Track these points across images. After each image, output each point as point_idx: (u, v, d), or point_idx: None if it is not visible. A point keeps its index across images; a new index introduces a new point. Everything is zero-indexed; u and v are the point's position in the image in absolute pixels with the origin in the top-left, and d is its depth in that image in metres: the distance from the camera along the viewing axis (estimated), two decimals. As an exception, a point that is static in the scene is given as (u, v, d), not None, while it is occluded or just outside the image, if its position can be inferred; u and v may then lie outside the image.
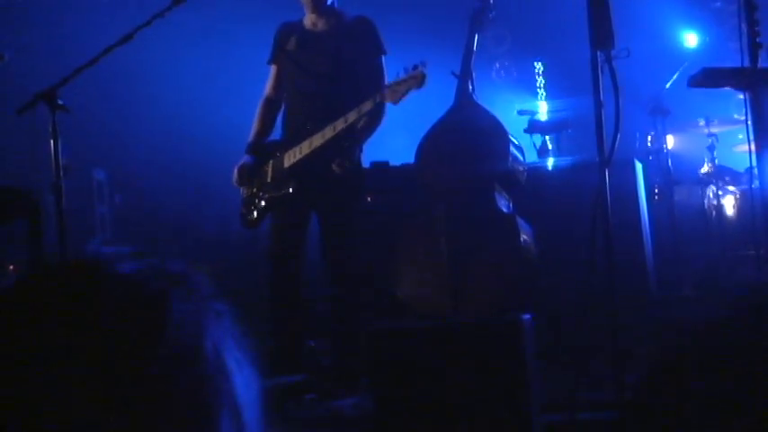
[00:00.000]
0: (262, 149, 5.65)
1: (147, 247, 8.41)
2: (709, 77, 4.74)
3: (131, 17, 5.47)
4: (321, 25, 5.59)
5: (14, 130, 7.34)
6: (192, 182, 8.80)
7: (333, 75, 5.49)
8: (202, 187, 8.52)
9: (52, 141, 4.89)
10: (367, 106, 5.17)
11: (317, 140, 5.28)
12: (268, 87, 5.80)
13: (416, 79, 5.01)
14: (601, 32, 4.14)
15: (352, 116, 5.20)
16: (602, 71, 4.24)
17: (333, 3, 5.62)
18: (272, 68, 5.78)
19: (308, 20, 5.63)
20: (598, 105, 4.19)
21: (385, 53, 5.55)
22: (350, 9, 5.68)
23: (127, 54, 4.99)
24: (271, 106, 5.76)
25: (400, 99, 5.07)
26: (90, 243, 8.51)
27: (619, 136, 4.28)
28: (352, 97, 5.40)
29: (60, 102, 4.88)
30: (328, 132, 5.25)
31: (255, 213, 5.57)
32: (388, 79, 5.43)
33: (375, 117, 5.44)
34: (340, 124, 5.22)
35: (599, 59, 4.18)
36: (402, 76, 5.04)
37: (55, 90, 4.88)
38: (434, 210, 6.38)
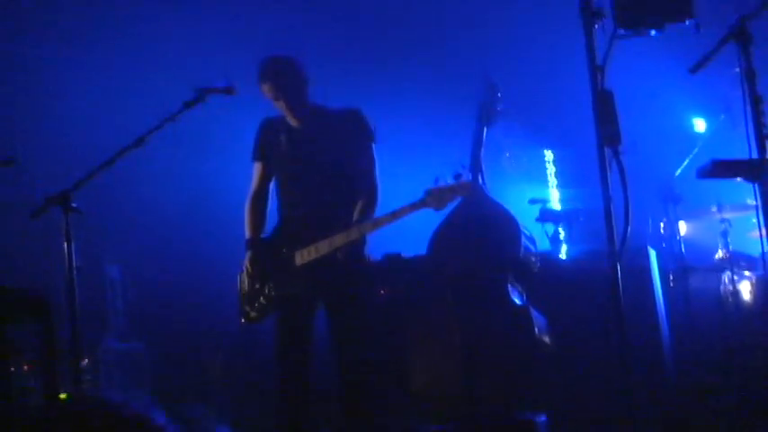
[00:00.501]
0: (264, 246, 5.64)
1: (160, 343, 8.42)
2: (717, 169, 4.74)
3: (140, 117, 5.55)
4: (308, 122, 5.60)
5: (29, 230, 7.39)
6: (205, 276, 8.80)
7: (329, 167, 5.50)
8: (214, 281, 8.52)
9: (65, 244, 4.92)
10: (405, 211, 5.20)
11: (341, 240, 5.27)
12: (254, 183, 5.79)
13: (464, 188, 5.08)
14: (607, 130, 4.16)
15: (367, 227, 5.23)
16: (610, 167, 4.25)
17: (311, 103, 5.61)
18: (257, 165, 5.77)
19: (293, 120, 5.65)
20: (607, 201, 4.19)
21: (375, 141, 5.56)
22: (337, 101, 5.70)
23: (138, 152, 5.04)
24: (260, 201, 5.75)
25: (444, 207, 5.14)
26: (104, 339, 8.52)
27: (629, 230, 4.29)
28: (352, 189, 5.43)
29: (73, 204, 4.92)
30: (354, 234, 5.26)
31: (258, 311, 5.55)
32: (377, 168, 5.47)
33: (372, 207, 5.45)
34: (368, 227, 5.26)
35: (607, 156, 4.19)
36: (446, 183, 5.08)
37: (68, 193, 4.92)
38: (447, 303, 6.37)
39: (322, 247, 5.31)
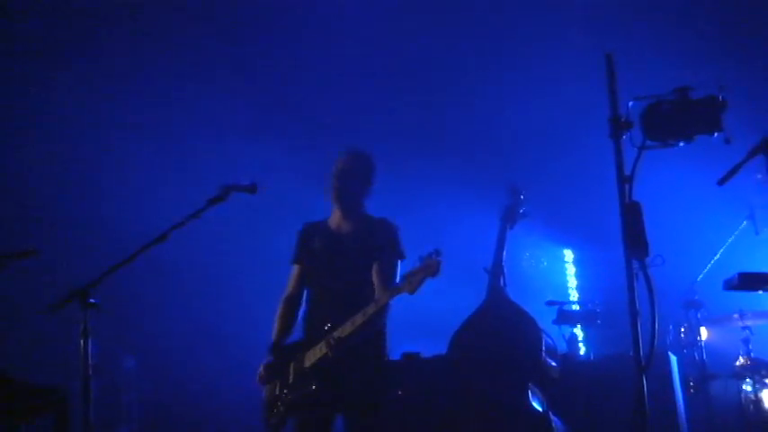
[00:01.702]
0: (283, 350, 5.57)
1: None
2: (744, 282, 4.71)
3: (161, 212, 5.55)
4: (346, 227, 5.60)
5: (46, 323, 7.37)
6: (221, 371, 8.77)
7: (358, 276, 5.47)
8: (230, 378, 8.48)
9: (82, 340, 4.88)
10: (383, 299, 5.13)
11: (339, 334, 5.21)
12: (289, 286, 5.76)
13: (431, 268, 4.96)
14: (635, 242, 4.13)
15: (370, 310, 5.15)
16: (636, 278, 4.21)
17: (361, 207, 5.64)
18: (295, 268, 5.76)
19: (335, 221, 5.64)
20: (634, 315, 4.14)
21: (403, 258, 5.53)
22: (380, 212, 5.69)
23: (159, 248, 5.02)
24: (292, 305, 5.71)
25: (416, 288, 5.02)
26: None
27: (655, 342, 4.24)
28: (367, 297, 5.38)
29: (92, 300, 4.89)
30: (348, 327, 5.18)
31: (277, 418, 5.46)
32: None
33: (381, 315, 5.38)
34: (359, 319, 5.17)
35: (633, 268, 4.16)
36: (417, 265, 5.01)
37: (87, 289, 4.89)
38: (466, 405, 6.28)
39: (323, 347, 5.25)
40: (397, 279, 5.38)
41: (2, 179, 9.04)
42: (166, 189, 8.74)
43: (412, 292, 5.01)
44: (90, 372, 4.87)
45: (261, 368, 5.54)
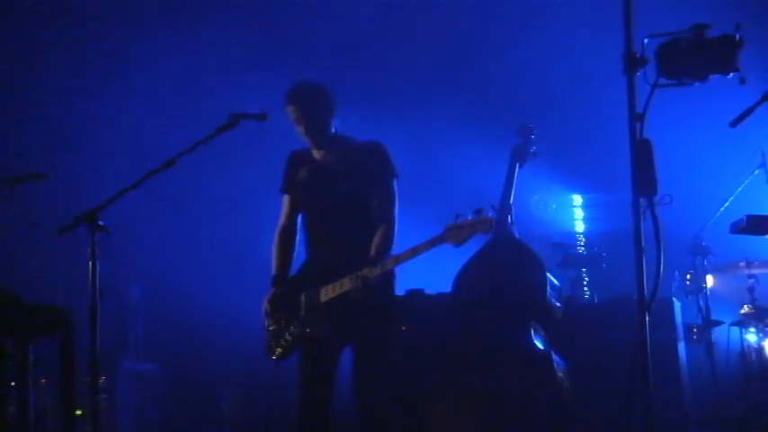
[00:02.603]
0: (290, 282, 5.57)
1: (178, 366, 8.41)
2: (752, 225, 4.70)
3: (172, 139, 5.55)
4: (330, 157, 5.54)
5: (55, 248, 7.41)
6: (228, 298, 8.80)
7: (351, 203, 5.42)
8: (237, 304, 8.52)
9: (91, 263, 4.90)
10: (422, 248, 5.07)
11: (363, 276, 5.18)
12: (283, 216, 5.72)
13: (484, 224, 4.90)
14: (644, 179, 4.12)
15: (404, 255, 5.12)
16: (643, 217, 4.21)
17: (335, 134, 5.54)
18: (285, 198, 5.71)
19: (316, 151, 5.59)
20: (639, 253, 4.13)
21: (397, 176, 5.47)
22: (392, 144, 5.64)
23: (166, 173, 5.02)
24: (287, 235, 5.68)
25: (464, 242, 4.95)
26: (123, 360, 8.51)
27: (659, 282, 4.24)
28: (373, 220, 5.37)
29: (101, 223, 4.91)
30: (377, 271, 5.16)
31: (283, 349, 5.47)
32: (396, 203, 5.39)
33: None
34: (390, 262, 5.15)
35: (641, 206, 4.15)
36: (466, 218, 4.92)
37: (96, 212, 4.90)
38: (469, 342, 6.32)
39: (345, 284, 5.23)
40: (396, 199, 5.37)
41: (13, 103, 9.05)
42: (177, 116, 8.73)
43: (458, 244, 4.96)
44: (98, 295, 4.92)
45: (266, 302, 5.53)
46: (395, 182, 5.45)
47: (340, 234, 5.43)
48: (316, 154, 5.56)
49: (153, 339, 9.05)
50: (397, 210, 5.44)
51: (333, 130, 5.52)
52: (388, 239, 5.33)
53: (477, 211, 4.88)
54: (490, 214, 4.89)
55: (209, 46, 9.38)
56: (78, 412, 5.96)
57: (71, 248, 5.53)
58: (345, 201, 5.42)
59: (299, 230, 5.68)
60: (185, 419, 8.60)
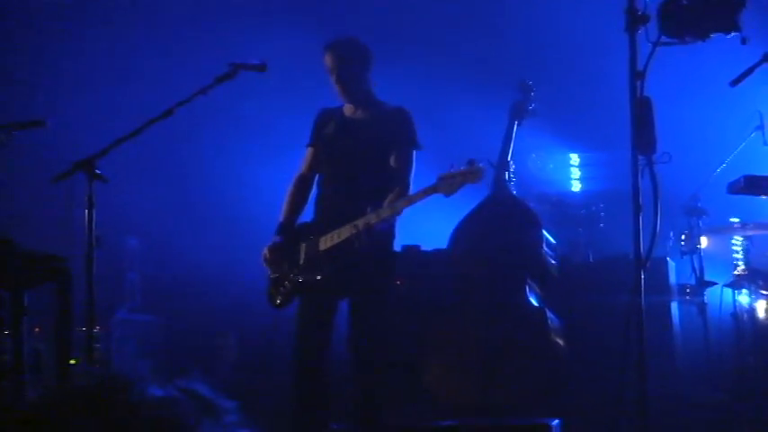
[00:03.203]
0: (294, 231, 5.59)
1: (174, 316, 8.44)
2: (750, 186, 4.71)
3: (171, 87, 5.53)
4: (360, 114, 5.58)
5: (52, 196, 7.41)
6: (223, 250, 8.83)
7: (368, 162, 5.45)
8: (232, 255, 8.54)
9: (87, 211, 4.90)
10: (416, 197, 5.11)
11: (360, 224, 5.21)
12: (303, 167, 5.76)
13: (474, 174, 4.93)
14: (643, 137, 4.13)
15: (400, 204, 5.14)
16: (642, 175, 4.22)
17: (369, 90, 5.59)
18: (309, 150, 5.76)
19: (347, 108, 5.63)
20: (636, 210, 4.16)
21: (418, 147, 5.50)
22: (393, 100, 5.65)
23: (164, 123, 5.01)
24: (303, 186, 5.72)
25: (454, 192, 4.99)
26: (118, 310, 8.53)
27: (656, 240, 4.26)
28: (386, 184, 5.39)
29: (98, 171, 4.90)
30: (373, 218, 5.18)
31: (283, 296, 5.50)
32: (413, 173, 5.40)
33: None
34: (386, 211, 5.17)
35: (640, 163, 4.16)
36: (458, 168, 4.96)
37: (93, 160, 4.89)
38: (465, 299, 6.35)
39: (344, 232, 5.27)
40: (413, 169, 5.40)
41: (11, 50, 9.02)
42: (178, 65, 8.70)
43: (449, 194, 4.99)
44: (94, 244, 4.92)
45: (266, 249, 5.56)
46: (414, 151, 5.48)
47: (349, 189, 5.45)
48: (347, 110, 5.61)
49: (149, 289, 9.07)
50: (411, 178, 5.46)
51: (367, 89, 5.56)
52: (408, 203, 5.35)
53: (469, 162, 4.92)
54: (481, 164, 4.90)
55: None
56: (73, 361, 5.97)
57: (68, 196, 5.52)
58: (363, 157, 5.45)
59: (314, 186, 5.70)
60: (181, 369, 8.64)
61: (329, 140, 5.60)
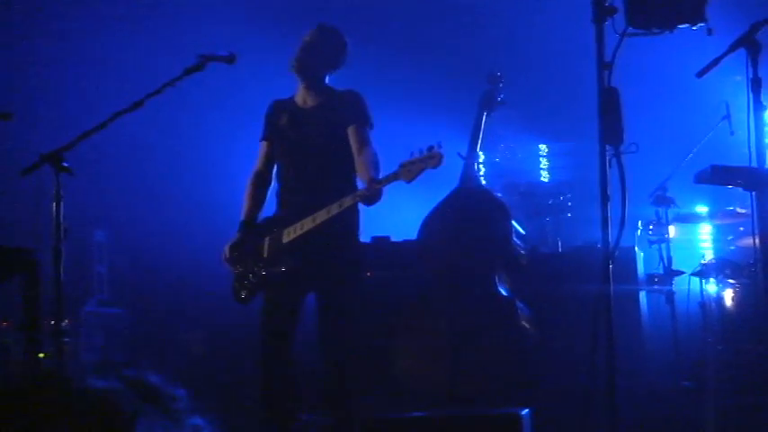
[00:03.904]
0: (256, 228, 5.57)
1: (143, 309, 8.41)
2: (716, 175, 4.74)
3: (138, 79, 5.50)
4: (311, 101, 5.55)
5: (19, 189, 7.35)
6: (191, 243, 8.80)
7: (325, 150, 5.44)
8: (201, 248, 8.52)
9: (55, 204, 4.87)
10: (379, 185, 5.10)
11: (321, 217, 5.21)
12: (259, 163, 5.71)
13: (433, 159, 4.94)
14: (611, 127, 4.15)
15: (360, 193, 5.14)
16: (609, 165, 4.24)
17: (323, 81, 5.55)
18: (263, 145, 5.70)
19: (300, 97, 5.58)
20: (604, 199, 4.18)
21: (372, 126, 5.49)
22: (363, 91, 5.64)
23: (132, 116, 4.98)
24: (261, 182, 5.68)
25: (414, 178, 5.00)
26: (87, 303, 8.50)
27: (624, 228, 4.29)
28: (345, 170, 5.39)
29: (65, 164, 4.87)
30: (334, 209, 5.18)
31: (247, 291, 5.49)
32: (376, 151, 5.39)
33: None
34: (348, 201, 5.17)
35: (607, 154, 4.18)
36: (417, 155, 4.97)
37: (61, 153, 4.86)
38: (435, 290, 6.37)
39: (306, 224, 5.26)
40: (371, 141, 5.39)
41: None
42: (146, 57, 8.66)
43: (409, 180, 5.00)
44: (62, 236, 4.89)
45: (226, 248, 5.53)
46: (369, 131, 5.47)
47: (308, 178, 5.43)
48: (298, 99, 5.58)
49: (117, 282, 9.04)
50: (374, 148, 5.44)
51: (323, 78, 5.55)
52: (376, 160, 5.32)
53: (429, 148, 4.93)
54: (440, 150, 4.91)
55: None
56: (42, 355, 5.95)
57: (35, 190, 5.48)
58: (321, 145, 5.43)
59: (272, 180, 5.68)
60: (149, 361, 8.62)
61: (284, 132, 5.57)
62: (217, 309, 7.92)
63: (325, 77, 5.56)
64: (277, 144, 5.63)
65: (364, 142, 5.39)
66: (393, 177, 5.03)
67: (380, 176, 5.12)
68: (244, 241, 5.52)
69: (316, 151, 5.44)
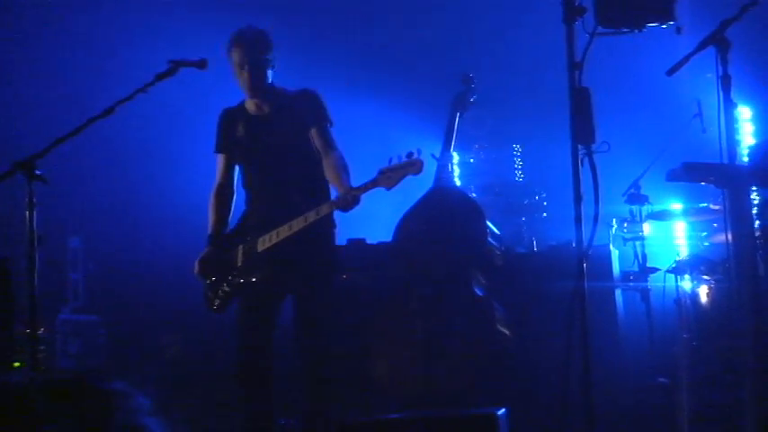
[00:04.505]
0: (225, 239, 5.54)
1: (118, 315, 8.38)
2: (688, 172, 4.75)
3: (109, 87, 5.48)
4: (265, 107, 5.50)
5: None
6: (166, 249, 8.77)
7: (288, 155, 5.41)
8: (175, 254, 8.49)
9: (28, 211, 4.85)
10: (357, 191, 5.07)
11: (299, 224, 5.19)
12: (219, 176, 5.66)
13: (414, 166, 4.94)
14: (582, 127, 4.17)
15: (338, 202, 5.13)
16: (581, 164, 4.27)
17: (271, 83, 5.50)
18: (220, 157, 5.66)
19: (251, 104, 5.54)
20: (578, 198, 4.20)
21: (332, 123, 5.47)
22: (332, 94, 5.62)
23: (105, 123, 4.96)
24: (224, 194, 5.64)
25: (395, 184, 4.99)
26: (62, 310, 8.47)
27: (597, 227, 4.32)
28: (311, 172, 5.38)
29: (38, 172, 4.84)
30: (311, 216, 5.16)
31: (221, 300, 5.47)
32: (341, 153, 5.38)
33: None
34: (325, 209, 5.16)
35: (579, 153, 4.21)
36: (397, 162, 4.96)
37: (33, 160, 4.84)
38: (410, 291, 6.38)
39: (282, 232, 5.25)
40: (334, 139, 5.38)
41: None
42: (118, 63, 8.64)
43: (390, 187, 4.99)
44: (35, 244, 4.87)
45: (196, 263, 5.50)
46: (329, 128, 5.45)
47: (278, 185, 5.42)
48: (250, 107, 5.52)
49: (92, 289, 9.00)
50: (339, 147, 5.42)
51: (270, 81, 5.49)
52: (344, 163, 5.31)
53: (409, 155, 4.93)
54: (420, 157, 4.92)
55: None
56: (17, 364, 5.92)
57: (8, 197, 5.45)
58: (282, 150, 5.41)
59: (236, 189, 5.65)
60: (125, 369, 8.60)
61: (242, 142, 5.52)
62: (192, 313, 7.90)
63: (267, 79, 5.47)
64: (236, 154, 5.58)
65: (329, 143, 5.38)
66: (372, 185, 5.03)
67: (359, 183, 5.11)
68: (213, 254, 5.50)
69: (279, 158, 5.42)
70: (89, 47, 9.13)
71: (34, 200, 4.85)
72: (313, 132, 5.39)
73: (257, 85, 5.41)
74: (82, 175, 8.67)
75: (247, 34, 5.44)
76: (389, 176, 4.95)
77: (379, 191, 5.08)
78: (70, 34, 9.19)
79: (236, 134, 5.53)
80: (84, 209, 8.86)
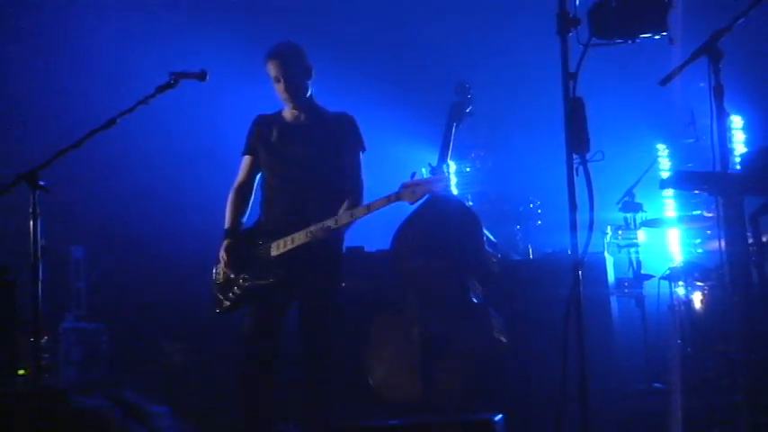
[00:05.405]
0: (241, 236, 5.63)
1: (121, 324, 8.42)
2: (681, 181, 4.83)
3: (113, 99, 5.54)
4: (303, 118, 5.65)
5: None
6: (168, 257, 8.83)
7: (317, 166, 5.53)
8: (178, 263, 8.55)
9: (31, 222, 4.91)
10: (378, 204, 5.20)
11: (315, 231, 5.28)
12: (241, 175, 5.78)
13: (440, 183, 5.10)
14: (577, 136, 4.24)
15: (358, 212, 5.23)
16: (576, 173, 4.33)
17: (311, 95, 5.68)
18: (246, 158, 5.78)
19: (289, 113, 5.69)
20: (572, 207, 4.26)
21: (365, 149, 5.61)
22: (331, 105, 5.73)
23: (107, 134, 5.03)
24: (243, 193, 5.74)
25: (418, 199, 5.14)
26: (65, 318, 8.52)
27: (592, 235, 4.37)
28: (332, 187, 5.48)
29: (41, 183, 4.91)
30: (331, 223, 5.25)
31: (231, 302, 5.54)
32: (363, 175, 5.51)
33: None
34: (344, 218, 5.26)
35: (574, 162, 4.27)
36: (426, 177, 5.10)
37: (36, 171, 4.90)
38: (408, 298, 6.44)
39: (298, 238, 5.33)
40: (362, 172, 5.50)
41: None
42: (119, 76, 8.70)
43: (413, 201, 5.14)
44: (39, 253, 4.93)
45: (222, 252, 5.57)
46: (362, 155, 5.57)
47: (298, 192, 5.51)
48: (287, 115, 5.67)
49: (95, 298, 9.05)
50: (363, 179, 5.55)
51: (309, 94, 5.64)
52: (357, 202, 5.43)
53: (434, 171, 5.05)
54: (447, 174, 5.04)
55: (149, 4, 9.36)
56: (21, 372, 5.96)
57: (12, 208, 5.51)
58: (311, 162, 5.51)
59: (254, 191, 5.75)
60: (129, 376, 8.64)
61: (275, 147, 5.65)
62: (194, 321, 7.97)
63: (308, 91, 5.65)
64: (264, 158, 5.69)
65: (357, 169, 5.50)
66: (395, 198, 5.17)
67: (379, 198, 5.25)
68: (235, 245, 5.58)
69: (305, 168, 5.53)
70: (94, 56, 9.18)
71: (38, 210, 4.92)
72: (345, 154, 5.51)
73: (294, 95, 5.58)
74: (85, 186, 8.73)
75: (282, 47, 5.62)
76: (414, 191, 5.08)
77: (375, 195, 5.19)
78: (74, 44, 9.25)
79: (268, 138, 5.67)
80: (87, 219, 8.91)
